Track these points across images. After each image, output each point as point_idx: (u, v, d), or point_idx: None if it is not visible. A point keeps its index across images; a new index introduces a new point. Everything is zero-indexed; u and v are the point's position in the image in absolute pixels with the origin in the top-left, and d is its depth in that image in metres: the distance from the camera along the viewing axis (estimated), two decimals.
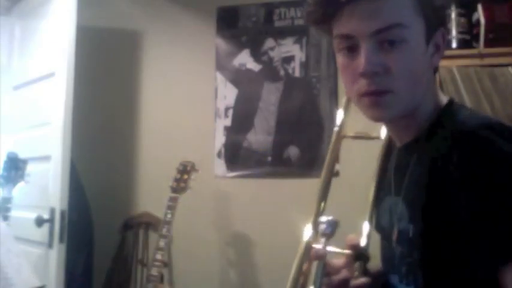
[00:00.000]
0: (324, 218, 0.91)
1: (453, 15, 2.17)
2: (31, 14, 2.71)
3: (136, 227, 2.84)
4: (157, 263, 2.41)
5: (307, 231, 0.95)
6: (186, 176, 2.50)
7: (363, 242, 0.93)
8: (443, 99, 0.96)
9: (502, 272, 0.77)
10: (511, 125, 0.82)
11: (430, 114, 0.93)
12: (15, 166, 2.23)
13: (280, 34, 2.84)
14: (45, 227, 2.28)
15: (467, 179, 0.79)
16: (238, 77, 2.90)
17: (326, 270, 0.90)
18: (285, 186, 2.71)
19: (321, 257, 0.89)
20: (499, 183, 0.77)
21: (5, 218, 2.13)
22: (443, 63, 2.04)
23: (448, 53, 2.07)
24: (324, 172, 1.04)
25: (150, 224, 2.78)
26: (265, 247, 2.72)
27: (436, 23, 0.88)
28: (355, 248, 0.93)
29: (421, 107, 0.92)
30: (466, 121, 0.87)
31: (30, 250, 2.34)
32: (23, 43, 2.80)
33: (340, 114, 1.09)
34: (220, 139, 2.88)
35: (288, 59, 2.82)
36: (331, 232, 0.89)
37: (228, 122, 2.89)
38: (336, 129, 1.08)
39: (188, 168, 2.53)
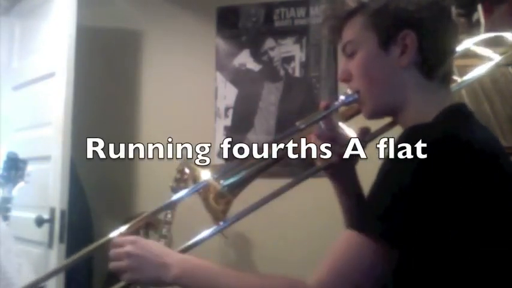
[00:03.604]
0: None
1: (453, 15, 2.17)
2: (31, 14, 2.71)
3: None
4: None
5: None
6: (186, 176, 2.50)
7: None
8: (447, 103, 0.98)
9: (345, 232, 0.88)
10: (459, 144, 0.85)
11: (423, 114, 0.96)
12: (15, 166, 2.23)
13: (280, 34, 2.84)
14: (45, 227, 2.28)
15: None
16: (238, 77, 2.90)
17: (325, 121, 1.10)
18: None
19: (328, 107, 1.08)
20: (388, 172, 0.87)
21: (5, 218, 2.13)
22: None
23: None
24: None
25: (150, 224, 2.77)
26: (265, 247, 2.72)
27: (394, 29, 0.99)
28: (364, 132, 1.10)
29: (407, 107, 1.00)
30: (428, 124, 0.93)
31: (30, 250, 2.34)
32: (23, 43, 2.80)
33: None
34: (220, 139, 2.88)
35: (288, 59, 2.82)
36: (348, 102, 1.06)
37: (228, 122, 2.89)
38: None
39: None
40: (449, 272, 0.84)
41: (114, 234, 1.09)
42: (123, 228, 1.10)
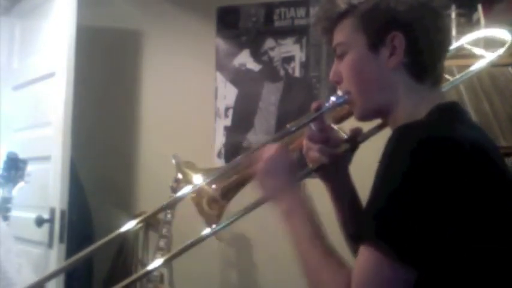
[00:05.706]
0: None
1: (453, 15, 2.17)
2: (31, 14, 2.71)
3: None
4: None
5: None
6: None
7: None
8: (438, 101, 0.98)
9: (359, 249, 0.85)
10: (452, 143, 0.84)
11: (413, 115, 0.96)
12: (15, 166, 2.23)
13: (280, 34, 2.84)
14: (45, 227, 2.28)
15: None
16: (238, 77, 2.90)
17: (316, 123, 1.09)
18: None
19: (319, 108, 1.08)
20: (388, 173, 0.85)
21: (5, 218, 2.13)
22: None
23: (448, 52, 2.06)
24: None
25: (150, 224, 2.78)
26: (265, 247, 2.72)
27: (383, 31, 0.99)
28: (356, 133, 1.10)
29: (397, 108, 1.00)
30: (418, 123, 0.92)
31: (30, 250, 2.34)
32: (23, 43, 2.80)
33: None
34: (220, 139, 2.88)
35: (288, 59, 2.82)
36: (339, 104, 1.06)
37: (228, 122, 2.89)
38: None
39: None
40: (448, 270, 0.84)
41: (115, 233, 1.09)
42: (133, 223, 1.10)
